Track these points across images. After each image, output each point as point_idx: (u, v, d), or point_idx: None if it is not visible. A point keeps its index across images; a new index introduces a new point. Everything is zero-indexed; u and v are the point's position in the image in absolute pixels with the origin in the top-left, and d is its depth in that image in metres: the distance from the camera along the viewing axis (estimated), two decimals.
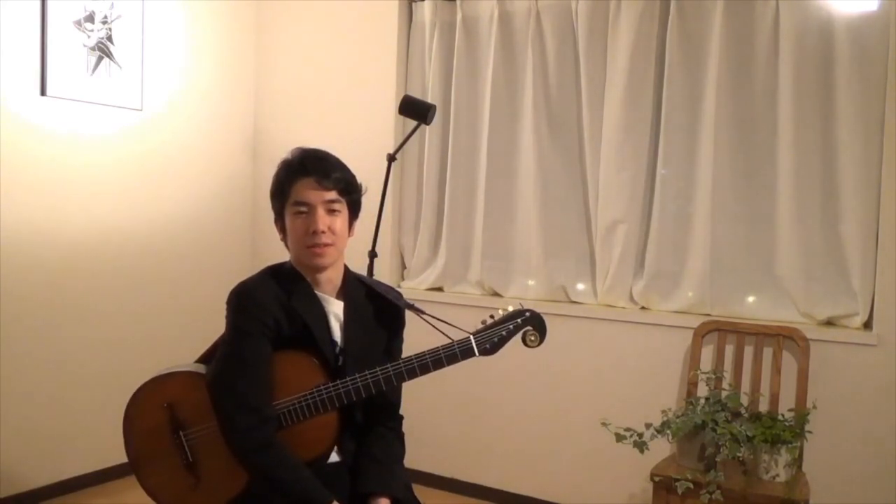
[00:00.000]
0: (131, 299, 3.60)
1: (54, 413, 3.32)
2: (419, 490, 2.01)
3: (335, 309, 1.89)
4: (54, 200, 3.28)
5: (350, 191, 1.89)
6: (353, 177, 1.90)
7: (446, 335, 1.90)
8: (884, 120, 2.77)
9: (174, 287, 3.79)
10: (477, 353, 1.85)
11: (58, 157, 3.29)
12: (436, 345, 1.88)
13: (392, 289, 2.04)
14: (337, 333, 1.88)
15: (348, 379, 1.81)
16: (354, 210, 1.91)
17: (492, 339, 1.86)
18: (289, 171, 1.87)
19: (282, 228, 1.90)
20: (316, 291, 1.88)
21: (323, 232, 1.81)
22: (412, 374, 1.83)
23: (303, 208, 1.83)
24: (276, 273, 1.90)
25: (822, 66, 2.89)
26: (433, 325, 1.93)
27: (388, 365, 1.83)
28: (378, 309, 1.95)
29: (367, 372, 1.82)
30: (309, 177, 1.83)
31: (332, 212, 1.84)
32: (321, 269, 1.87)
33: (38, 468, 3.28)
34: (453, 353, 1.84)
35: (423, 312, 1.95)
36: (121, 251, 3.55)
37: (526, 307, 1.92)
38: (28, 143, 3.18)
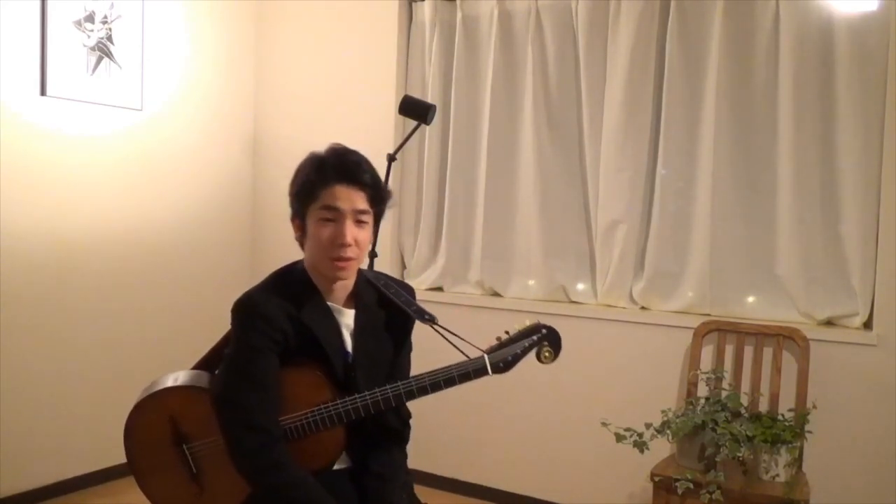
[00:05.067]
0: (131, 299, 3.60)
1: (54, 413, 3.32)
2: (419, 490, 2.01)
3: (346, 320, 1.83)
4: (54, 200, 3.28)
5: (379, 200, 1.80)
6: (384, 185, 1.82)
7: (458, 349, 1.84)
8: (884, 120, 2.77)
9: (174, 287, 3.79)
10: (490, 373, 1.80)
11: (58, 157, 3.29)
12: (445, 352, 1.84)
13: (405, 287, 1.95)
14: (349, 344, 1.83)
15: (357, 397, 1.76)
16: (378, 220, 1.83)
17: (506, 357, 1.80)
18: (322, 171, 1.74)
19: (299, 227, 1.80)
20: (328, 302, 1.81)
21: (349, 245, 1.73)
22: (423, 392, 1.78)
23: (330, 215, 1.73)
24: (285, 280, 1.81)
25: (822, 66, 2.89)
26: (446, 339, 1.87)
27: (399, 383, 1.78)
28: (389, 315, 1.88)
29: (377, 390, 1.77)
30: (343, 183, 1.73)
31: (359, 223, 1.75)
32: (339, 280, 1.80)
33: (38, 468, 3.28)
34: (466, 373, 1.78)
35: (436, 322, 1.87)
36: (120, 251, 3.55)
37: (542, 323, 1.86)
38: (28, 143, 3.18)
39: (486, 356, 1.80)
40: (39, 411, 3.27)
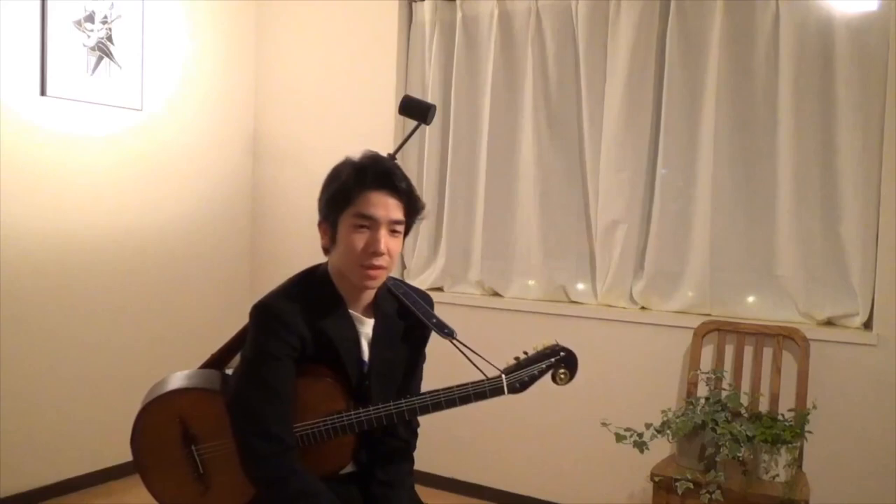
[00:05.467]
0: (131, 299, 3.60)
1: (54, 413, 3.32)
2: (419, 490, 2.01)
3: (366, 329, 1.81)
4: (54, 200, 3.28)
5: (414, 212, 1.77)
6: (417, 195, 1.79)
7: (475, 365, 1.83)
8: (884, 120, 2.77)
9: (173, 287, 3.79)
10: (506, 394, 1.80)
11: (58, 157, 3.29)
12: (461, 366, 1.83)
13: (425, 297, 1.92)
14: (366, 353, 1.82)
15: (371, 409, 1.75)
16: (408, 230, 1.80)
17: (522, 378, 1.81)
18: (360, 177, 1.70)
19: (326, 232, 1.76)
20: (349, 310, 1.79)
21: (383, 254, 1.70)
22: (437, 407, 1.77)
23: (366, 223, 1.69)
24: (308, 283, 1.79)
25: (822, 66, 2.89)
26: (464, 354, 1.84)
27: (415, 399, 1.77)
28: (408, 326, 1.86)
29: (391, 404, 1.76)
30: (381, 191, 1.70)
31: (393, 232, 1.72)
32: (367, 289, 1.78)
33: (38, 468, 3.28)
34: (482, 392, 1.78)
35: (454, 337, 1.85)
36: (120, 251, 3.55)
37: (560, 345, 1.85)
38: (28, 143, 3.18)
39: (503, 377, 1.79)
40: (39, 411, 3.27)
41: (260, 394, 1.70)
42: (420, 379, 1.94)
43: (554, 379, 1.83)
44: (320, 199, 1.77)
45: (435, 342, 1.91)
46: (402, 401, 1.76)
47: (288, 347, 1.71)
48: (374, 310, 1.83)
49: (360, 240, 1.70)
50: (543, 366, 1.82)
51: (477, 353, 1.83)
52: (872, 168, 2.81)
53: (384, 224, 1.71)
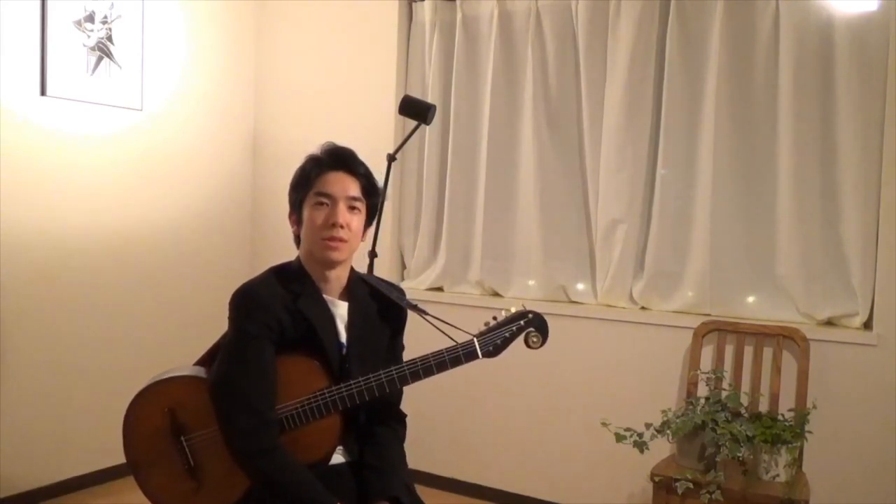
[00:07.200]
0: (131, 299, 3.60)
1: (54, 413, 3.32)
2: (418, 490, 2.01)
3: (341, 311, 1.88)
4: (54, 200, 3.28)
5: (372, 193, 1.90)
6: (376, 180, 1.92)
7: (449, 336, 1.88)
8: (884, 120, 2.77)
9: (173, 287, 3.79)
10: (480, 356, 1.85)
11: (58, 157, 3.29)
12: (437, 344, 1.87)
13: (394, 286, 2.04)
14: (343, 335, 1.87)
15: (352, 382, 1.80)
16: (371, 215, 1.92)
17: (495, 341, 1.86)
18: (316, 162, 1.86)
19: (296, 221, 1.88)
20: (323, 295, 1.86)
21: (342, 226, 1.81)
22: (415, 377, 1.82)
23: (325, 200, 1.82)
24: (282, 273, 1.87)
25: (822, 65, 2.89)
26: (435, 326, 1.92)
27: (392, 368, 1.82)
28: (382, 308, 1.94)
29: (370, 375, 1.80)
30: (336, 170, 1.84)
31: (352, 209, 1.84)
32: (332, 264, 1.85)
33: (38, 468, 3.28)
34: (457, 356, 1.83)
35: (426, 313, 1.94)
36: (120, 251, 3.55)
37: (528, 308, 1.91)
38: (28, 143, 3.18)
39: (475, 339, 1.86)
40: (39, 411, 3.27)
41: (240, 370, 1.76)
42: (401, 362, 1.98)
43: (527, 343, 1.88)
44: (289, 194, 1.90)
45: (410, 329, 2.00)
46: (381, 372, 1.81)
47: (266, 329, 1.78)
48: (347, 294, 1.91)
49: (319, 215, 1.82)
50: (514, 328, 1.88)
51: (450, 324, 1.90)
52: (872, 168, 2.81)
53: (342, 200, 1.83)
